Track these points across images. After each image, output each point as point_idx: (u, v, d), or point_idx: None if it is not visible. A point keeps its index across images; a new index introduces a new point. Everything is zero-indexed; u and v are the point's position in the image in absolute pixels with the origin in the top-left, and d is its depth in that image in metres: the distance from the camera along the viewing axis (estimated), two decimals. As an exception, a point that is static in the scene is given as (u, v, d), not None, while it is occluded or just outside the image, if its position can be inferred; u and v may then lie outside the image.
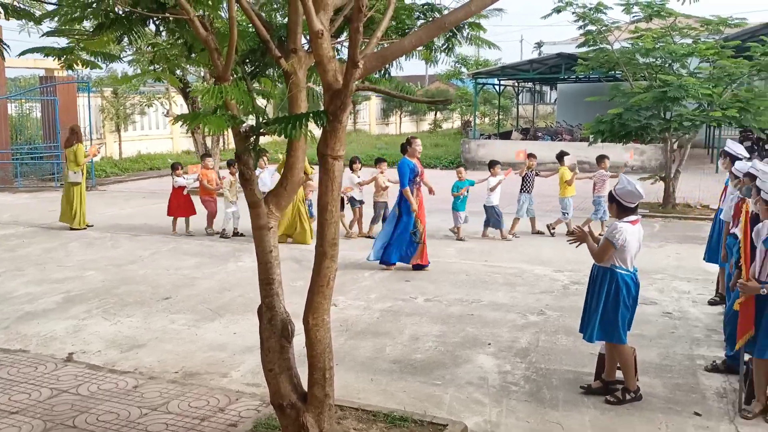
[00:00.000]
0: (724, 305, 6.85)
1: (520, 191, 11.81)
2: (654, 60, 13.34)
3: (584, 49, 14.50)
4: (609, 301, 5.17)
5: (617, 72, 14.22)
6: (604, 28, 13.51)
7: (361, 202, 11.71)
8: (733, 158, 7.78)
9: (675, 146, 13.91)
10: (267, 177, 11.40)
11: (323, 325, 4.05)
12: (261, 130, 3.89)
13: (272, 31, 4.38)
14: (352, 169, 11.77)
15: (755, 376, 4.99)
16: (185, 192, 12.07)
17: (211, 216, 12.03)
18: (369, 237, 11.43)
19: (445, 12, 4.59)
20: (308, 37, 3.78)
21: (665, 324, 7.10)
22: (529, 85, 35.23)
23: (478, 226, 11.69)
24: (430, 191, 10.45)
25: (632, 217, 5.16)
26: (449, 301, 8.00)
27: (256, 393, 5.37)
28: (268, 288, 4.11)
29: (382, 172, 11.73)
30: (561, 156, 11.87)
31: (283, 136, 3.74)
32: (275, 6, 4.76)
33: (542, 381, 5.68)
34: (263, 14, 4.90)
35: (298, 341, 4.36)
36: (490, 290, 8.45)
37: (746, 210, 5.33)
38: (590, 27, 13.53)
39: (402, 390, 5.53)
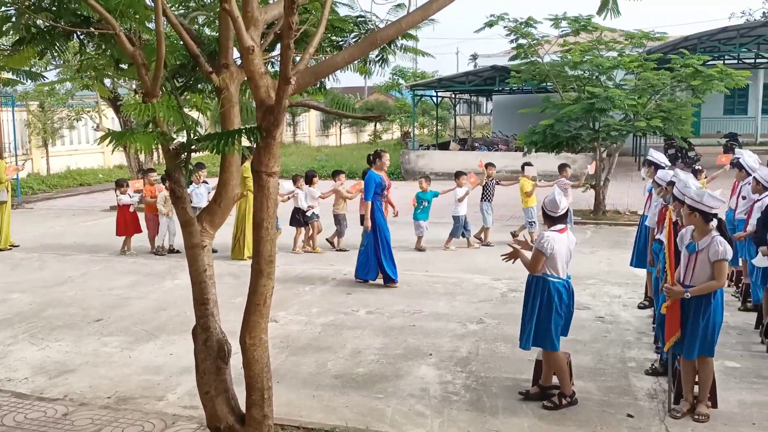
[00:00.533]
0: (653, 308, 7.11)
1: (481, 200, 12.03)
2: (582, 72, 13.82)
3: (516, 62, 14.89)
4: (542, 309, 5.29)
5: (548, 84, 14.66)
6: (534, 41, 13.92)
7: (317, 216, 11.64)
8: (657, 167, 8.13)
9: (604, 155, 14.41)
10: (204, 192, 11.19)
11: (261, 345, 3.99)
12: (192, 147, 3.82)
13: (203, 45, 4.32)
14: (311, 183, 11.68)
15: (683, 376, 5.19)
16: (131, 209, 11.67)
17: (153, 234, 11.67)
18: (342, 250, 11.46)
19: (379, 25, 4.64)
20: (240, 52, 3.75)
21: (598, 328, 7.32)
22: (466, 96, 35.87)
23: (438, 235, 11.81)
24: (395, 213, 10.44)
25: (559, 226, 5.31)
26: (391, 312, 8.02)
27: (194, 416, 5.22)
28: (203, 308, 4.03)
29: (341, 184, 11.74)
30: (524, 167, 12.08)
31: (215, 152, 3.69)
32: (206, 20, 4.70)
33: (482, 389, 5.75)
34: (193, 28, 4.83)
35: (236, 360, 4.28)
36: (431, 300, 8.51)
37: (669, 216, 5.56)
38: (521, 41, 13.92)
39: (344, 405, 5.50)
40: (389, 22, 4.05)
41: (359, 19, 4.46)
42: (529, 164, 12.13)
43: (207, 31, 4.83)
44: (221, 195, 4.17)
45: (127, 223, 11.62)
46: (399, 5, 4.03)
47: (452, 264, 10.51)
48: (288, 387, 5.84)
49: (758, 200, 7.31)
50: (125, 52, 3.87)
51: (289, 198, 11.41)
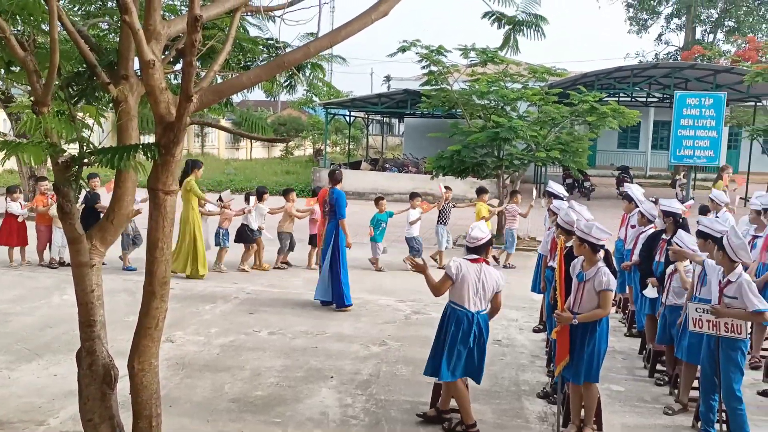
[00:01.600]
0: (546, 332, 7.40)
1: (438, 223, 12.09)
2: (488, 102, 14.34)
3: (428, 88, 15.25)
4: (439, 336, 5.34)
5: (457, 110, 15.11)
6: (444, 69, 14.33)
7: (260, 232, 11.34)
8: (555, 197, 8.53)
9: (507, 181, 14.94)
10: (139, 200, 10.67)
11: (150, 370, 3.81)
12: (84, 161, 3.64)
13: (101, 54, 4.15)
14: (261, 199, 11.40)
15: (571, 400, 5.42)
16: (20, 219, 10.88)
17: (42, 247, 10.96)
18: (282, 267, 11.28)
19: (288, 50, 4.62)
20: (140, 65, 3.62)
21: (495, 351, 7.52)
22: (379, 117, 36.33)
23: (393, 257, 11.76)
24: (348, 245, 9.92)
25: (473, 256, 5.37)
26: (294, 333, 7.91)
27: (76, 443, 4.93)
28: (89, 331, 3.82)
29: (293, 203, 11.60)
30: (480, 192, 12.16)
31: (109, 167, 3.53)
32: (107, 27, 4.52)
33: (381, 413, 5.76)
34: (95, 34, 4.63)
35: (124, 383, 4.07)
36: (335, 321, 8.47)
37: (561, 245, 5.81)
38: (432, 68, 14.29)
39: (239, 430, 5.35)
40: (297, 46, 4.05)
41: (269, 41, 4.43)
42: (484, 190, 12.25)
43: (112, 36, 4.65)
44: (114, 211, 3.98)
45: (11, 233, 10.86)
46: (311, 34, 4.04)
47: (358, 285, 10.50)
48: (181, 411, 5.62)
49: (642, 232, 7.80)
50: (15, 56, 3.65)
51: (242, 213, 11.23)
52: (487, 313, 5.37)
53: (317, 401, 5.97)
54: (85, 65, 4.04)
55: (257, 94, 8.36)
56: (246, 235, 11.16)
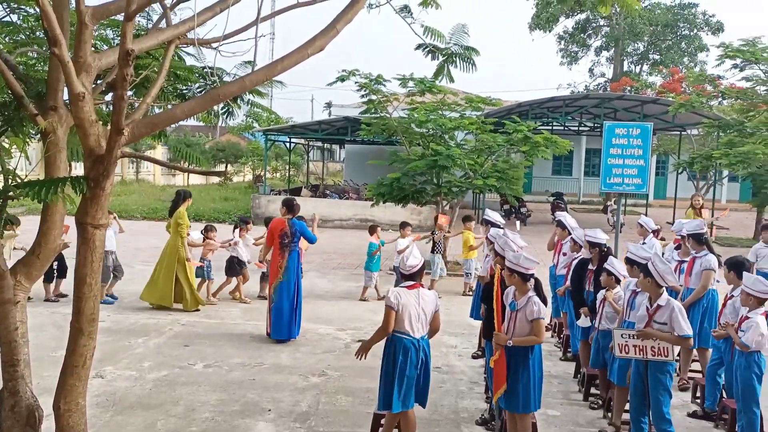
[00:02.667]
0: (485, 358, 7.49)
1: (432, 252, 12.07)
2: (427, 130, 14.60)
3: (367, 116, 15.41)
4: (388, 368, 5.31)
5: (397, 138, 15.30)
6: (383, 98, 14.53)
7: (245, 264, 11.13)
8: (492, 224, 8.71)
9: (446, 208, 15.18)
10: (111, 233, 10.29)
11: (77, 410, 3.67)
12: (9, 194, 3.51)
13: (29, 84, 4.04)
14: (245, 230, 11.26)
15: (508, 427, 5.48)
16: None
17: None
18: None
19: (225, 77, 4.61)
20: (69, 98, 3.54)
21: (435, 378, 7.49)
22: (320, 143, 36.35)
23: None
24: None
25: (409, 283, 5.42)
26: (230, 365, 7.74)
27: (-5, 489, 4.66)
28: (11, 370, 3.65)
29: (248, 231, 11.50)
30: (466, 220, 12.20)
31: (36, 200, 3.42)
32: (36, 57, 4.40)
33: (320, 446, 5.69)
34: (22, 63, 4.52)
35: (50, 423, 3.89)
36: (273, 352, 8.34)
37: (498, 272, 5.92)
38: (372, 96, 14.46)
39: (172, 469, 5.18)
40: (235, 77, 4.04)
41: (205, 70, 4.40)
42: (469, 217, 12.32)
43: (41, 66, 4.53)
44: (41, 246, 3.85)
45: None
46: (248, 62, 4.05)
47: (297, 314, 10.41)
48: (111, 451, 5.40)
49: (575, 258, 8.04)
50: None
51: (228, 246, 11.07)
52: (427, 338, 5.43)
53: (254, 436, 5.85)
54: (11, 95, 3.92)
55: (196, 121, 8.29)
56: (234, 267, 11.03)
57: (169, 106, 4.05)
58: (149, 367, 7.55)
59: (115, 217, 10.75)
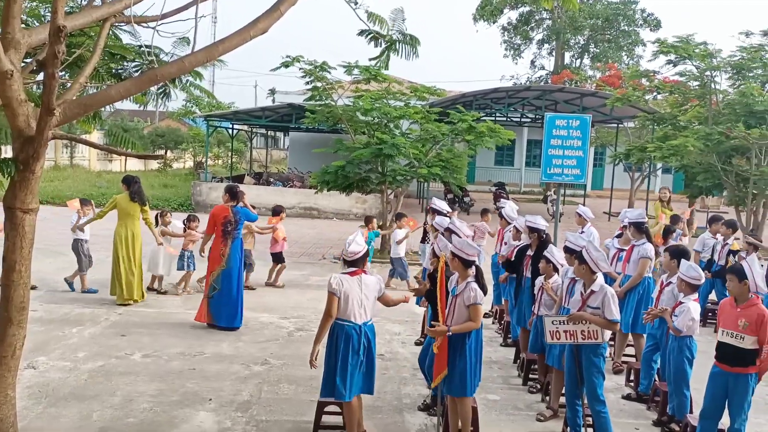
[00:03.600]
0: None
1: (421, 242, 11.83)
2: (372, 119, 14.58)
3: (312, 103, 15.26)
4: (330, 356, 5.33)
5: (341, 126, 15.21)
6: (328, 85, 14.41)
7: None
8: (437, 213, 8.79)
9: (391, 197, 15.23)
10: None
11: (6, 402, 3.52)
12: (-71, 177, 3.32)
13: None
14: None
15: (449, 411, 5.57)
16: None
17: None
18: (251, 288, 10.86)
19: (162, 56, 4.48)
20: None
21: (378, 366, 7.45)
22: (263, 130, 35.82)
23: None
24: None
25: (351, 269, 5.42)
26: (170, 355, 7.58)
27: None
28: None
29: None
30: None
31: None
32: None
33: (262, 435, 5.65)
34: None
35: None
36: (214, 341, 8.21)
37: (442, 261, 5.98)
38: (317, 83, 14.32)
39: (108, 461, 5.05)
40: (173, 57, 3.93)
41: (141, 48, 4.26)
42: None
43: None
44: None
45: None
46: (184, 38, 3.93)
47: (239, 302, 10.27)
48: (43, 444, 5.22)
49: (517, 246, 8.21)
50: None
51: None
52: (372, 324, 5.42)
53: (194, 426, 5.76)
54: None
55: (132, 103, 8.02)
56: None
57: (104, 87, 3.90)
58: (84, 358, 7.32)
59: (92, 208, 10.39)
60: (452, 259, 5.46)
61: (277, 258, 11.47)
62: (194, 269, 10.58)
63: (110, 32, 3.96)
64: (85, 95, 3.66)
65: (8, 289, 3.46)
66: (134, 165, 39.94)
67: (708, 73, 16.69)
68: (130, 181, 9.80)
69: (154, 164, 41.09)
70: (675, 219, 10.75)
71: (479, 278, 5.44)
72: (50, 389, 6.37)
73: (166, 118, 46.62)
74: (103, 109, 4.25)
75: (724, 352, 5.36)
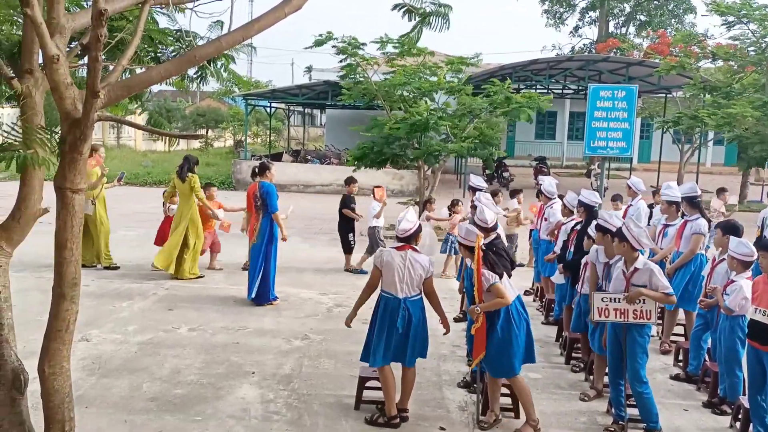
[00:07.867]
0: (467, 322, 7.58)
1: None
2: (407, 94, 14.46)
3: (347, 80, 15.21)
4: (372, 322, 5.48)
5: (377, 102, 15.15)
6: (362, 62, 14.32)
7: None
8: (476, 190, 8.71)
9: (428, 172, 15.15)
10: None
11: (62, 374, 3.69)
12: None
13: (2, 46, 3.96)
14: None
15: (489, 390, 5.59)
16: None
17: None
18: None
19: (198, 41, 4.54)
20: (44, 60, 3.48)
21: (418, 341, 7.66)
22: (300, 108, 36.00)
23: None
24: (284, 238, 9.25)
25: (398, 244, 5.54)
26: (214, 329, 7.80)
27: (-19, 452, 4.70)
28: (-6, 335, 3.66)
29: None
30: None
31: (6, 167, 3.39)
32: (4, 17, 4.29)
33: (304, 407, 5.78)
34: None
35: (35, 386, 3.92)
36: (256, 316, 8.40)
37: (479, 241, 5.92)
38: (350, 60, 14.26)
39: (158, 430, 5.26)
40: (209, 39, 3.99)
41: (178, 32, 4.33)
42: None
43: (8, 28, 4.42)
44: (20, 210, 3.82)
45: None
46: (218, 22, 3.98)
47: (278, 278, 10.42)
48: (98, 413, 5.47)
49: (564, 223, 8.05)
50: None
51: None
52: (420, 299, 5.52)
53: (238, 398, 5.93)
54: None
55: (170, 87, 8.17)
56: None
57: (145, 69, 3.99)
58: (134, 331, 7.58)
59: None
60: (459, 245, 5.54)
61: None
62: (456, 253, 10.44)
63: (148, 16, 4.04)
64: (127, 77, 3.76)
65: (60, 266, 3.60)
66: (177, 145, 40.63)
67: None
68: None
69: (196, 143, 41.75)
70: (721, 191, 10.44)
71: (489, 257, 5.42)
72: (102, 361, 6.64)
73: (206, 98, 47.23)
74: (145, 91, 4.35)
75: (755, 330, 5.20)
